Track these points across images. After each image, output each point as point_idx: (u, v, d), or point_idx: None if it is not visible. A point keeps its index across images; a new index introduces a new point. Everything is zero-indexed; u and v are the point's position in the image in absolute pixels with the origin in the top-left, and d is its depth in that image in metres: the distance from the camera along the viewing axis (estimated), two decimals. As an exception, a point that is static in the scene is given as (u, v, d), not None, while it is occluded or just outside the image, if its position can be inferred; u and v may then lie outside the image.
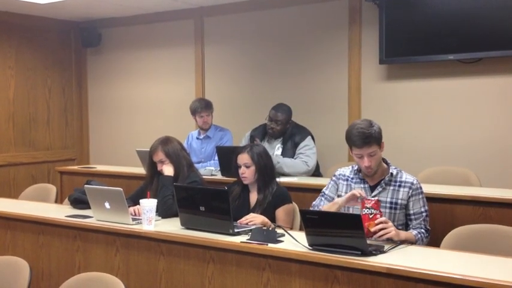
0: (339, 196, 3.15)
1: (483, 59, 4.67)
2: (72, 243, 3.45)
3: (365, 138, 2.96)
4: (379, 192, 3.05)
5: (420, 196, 3.05)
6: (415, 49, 4.89)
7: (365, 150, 2.97)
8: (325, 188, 3.25)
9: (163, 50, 6.59)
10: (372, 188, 3.08)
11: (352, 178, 3.15)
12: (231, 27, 6.08)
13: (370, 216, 2.80)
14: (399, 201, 3.03)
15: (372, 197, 3.01)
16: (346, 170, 3.21)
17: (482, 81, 4.76)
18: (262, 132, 4.83)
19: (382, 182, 3.06)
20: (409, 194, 3.03)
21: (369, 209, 2.81)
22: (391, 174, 3.06)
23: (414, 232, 2.98)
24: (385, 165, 3.11)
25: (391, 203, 3.04)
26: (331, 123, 5.46)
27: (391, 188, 3.05)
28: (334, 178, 3.23)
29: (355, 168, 3.16)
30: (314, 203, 3.24)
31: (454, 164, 4.59)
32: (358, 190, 2.98)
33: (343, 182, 3.18)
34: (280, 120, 4.67)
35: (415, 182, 3.06)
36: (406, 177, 3.08)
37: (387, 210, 3.02)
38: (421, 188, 3.08)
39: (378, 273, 2.43)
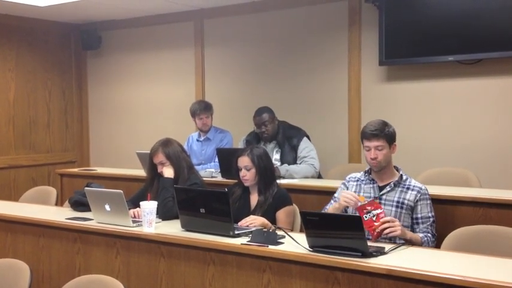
0: None
1: (483, 60, 4.67)
2: (72, 246, 3.45)
3: (374, 130, 3.12)
4: (388, 192, 3.16)
5: (428, 202, 3.15)
6: (415, 50, 4.90)
7: (373, 142, 3.11)
8: (336, 192, 3.36)
9: (164, 52, 6.60)
10: (381, 188, 3.19)
11: (363, 180, 3.25)
12: (231, 29, 6.08)
13: (374, 218, 2.82)
14: (406, 201, 3.12)
15: (380, 195, 3.15)
16: (358, 174, 3.33)
17: (482, 82, 4.77)
18: (256, 138, 4.84)
19: (392, 182, 3.17)
20: (417, 198, 3.12)
21: (370, 212, 2.83)
22: (401, 176, 3.18)
23: (421, 235, 3.03)
24: (395, 171, 3.23)
25: (397, 202, 3.13)
26: (331, 125, 5.46)
27: (399, 189, 3.16)
28: (343, 181, 3.36)
29: (366, 169, 3.27)
30: (326, 206, 3.34)
31: (454, 165, 4.59)
32: (347, 195, 3.07)
33: (353, 183, 3.30)
34: (267, 121, 4.69)
35: (423, 187, 3.18)
36: (415, 183, 3.20)
37: (393, 209, 3.12)
38: (428, 194, 3.17)
39: (378, 275, 2.43)
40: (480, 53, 4.62)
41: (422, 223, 3.10)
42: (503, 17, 4.49)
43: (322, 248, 2.62)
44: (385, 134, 3.13)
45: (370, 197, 3.17)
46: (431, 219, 3.11)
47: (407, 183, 3.17)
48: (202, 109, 5.16)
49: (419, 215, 3.11)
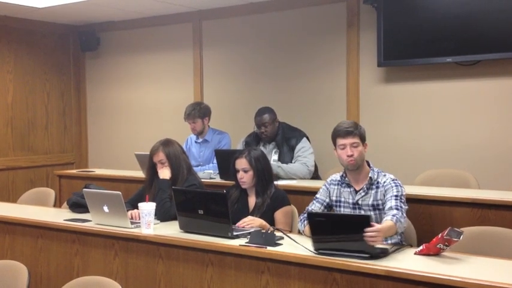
0: (331, 200, 3.23)
1: (481, 61, 4.68)
2: (70, 247, 3.45)
3: (349, 127, 3.12)
4: (362, 197, 3.13)
5: (393, 187, 3.04)
6: (413, 52, 4.90)
7: (349, 140, 3.10)
8: (318, 193, 3.31)
9: (162, 54, 6.60)
10: (357, 192, 3.16)
11: (342, 183, 3.22)
12: (230, 30, 6.08)
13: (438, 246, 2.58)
14: (380, 202, 3.11)
15: (356, 201, 3.12)
16: (337, 176, 3.28)
17: (480, 84, 4.77)
18: (256, 138, 4.84)
19: (364, 186, 3.13)
20: (384, 191, 3.08)
21: (445, 246, 2.57)
22: (371, 178, 3.13)
23: (388, 218, 2.85)
24: (368, 168, 3.18)
25: (373, 205, 3.12)
26: (329, 126, 5.38)
27: (373, 191, 3.13)
28: (325, 183, 3.31)
29: (342, 172, 3.24)
30: (308, 207, 3.27)
31: (453, 167, 4.59)
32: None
33: (334, 186, 3.26)
34: (267, 122, 4.69)
35: (388, 180, 3.10)
36: (382, 178, 3.12)
37: (372, 213, 3.10)
38: (393, 181, 3.08)
39: (377, 276, 2.43)
40: (478, 55, 4.63)
41: (388, 200, 2.99)
42: (501, 18, 4.49)
43: (328, 250, 2.57)
44: (359, 131, 3.13)
45: (348, 203, 3.15)
46: (394, 196, 2.98)
47: (377, 180, 3.11)
48: (185, 116, 5.15)
49: (386, 197, 3.04)
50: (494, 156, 4.72)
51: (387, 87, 5.20)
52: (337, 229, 2.60)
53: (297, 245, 2.75)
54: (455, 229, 2.57)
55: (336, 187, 3.24)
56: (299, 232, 3.43)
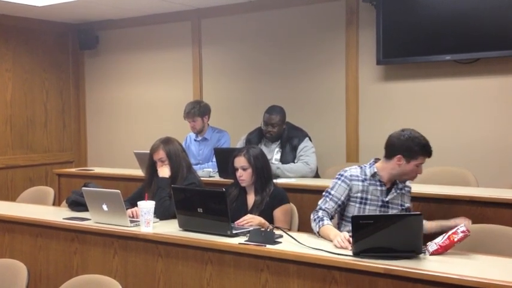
0: (349, 196, 3.07)
1: (480, 59, 4.68)
2: (70, 246, 3.45)
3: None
4: (393, 197, 3.11)
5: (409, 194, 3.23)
6: (412, 50, 4.90)
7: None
8: (330, 188, 3.08)
9: (161, 52, 6.59)
10: (387, 191, 3.11)
11: (366, 180, 3.08)
12: (229, 28, 6.08)
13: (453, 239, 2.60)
14: (406, 205, 3.15)
15: (388, 200, 3.08)
16: (356, 171, 3.10)
17: (479, 82, 4.77)
18: (258, 136, 4.82)
19: (396, 187, 3.11)
20: (405, 195, 3.18)
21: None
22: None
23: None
24: None
25: (401, 205, 3.14)
26: (328, 124, 5.47)
27: (400, 192, 3.14)
28: (344, 179, 3.07)
29: (372, 172, 3.08)
30: (320, 204, 3.07)
31: (452, 164, 4.59)
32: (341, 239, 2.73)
33: (357, 182, 3.06)
34: (275, 123, 4.65)
35: (407, 183, 3.20)
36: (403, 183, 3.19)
37: (399, 211, 3.12)
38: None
39: (376, 274, 2.43)
40: (477, 52, 4.63)
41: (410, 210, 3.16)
42: (501, 16, 4.50)
43: (371, 252, 2.51)
44: None
45: (377, 201, 3.06)
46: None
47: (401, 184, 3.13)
48: (185, 115, 5.15)
49: (406, 206, 3.16)
50: (493, 154, 4.72)
51: (386, 85, 5.20)
52: (386, 230, 2.51)
53: (296, 243, 2.76)
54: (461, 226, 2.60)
55: (360, 183, 3.05)
56: (298, 230, 3.44)
